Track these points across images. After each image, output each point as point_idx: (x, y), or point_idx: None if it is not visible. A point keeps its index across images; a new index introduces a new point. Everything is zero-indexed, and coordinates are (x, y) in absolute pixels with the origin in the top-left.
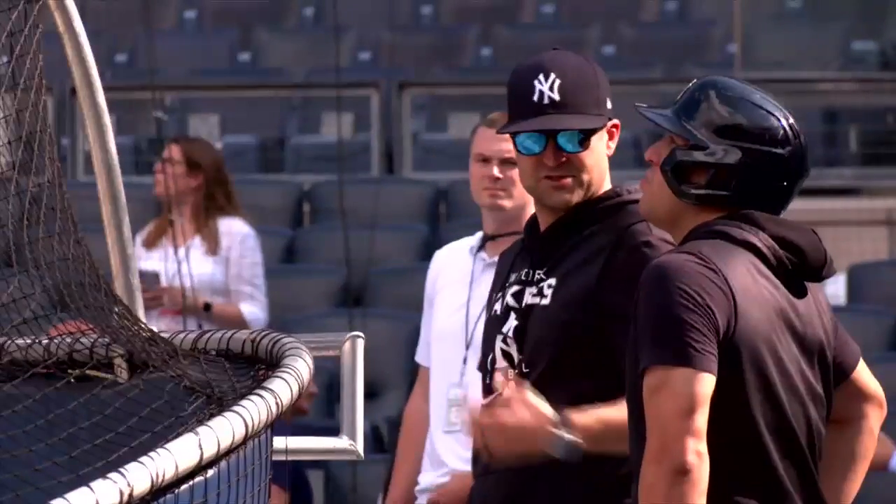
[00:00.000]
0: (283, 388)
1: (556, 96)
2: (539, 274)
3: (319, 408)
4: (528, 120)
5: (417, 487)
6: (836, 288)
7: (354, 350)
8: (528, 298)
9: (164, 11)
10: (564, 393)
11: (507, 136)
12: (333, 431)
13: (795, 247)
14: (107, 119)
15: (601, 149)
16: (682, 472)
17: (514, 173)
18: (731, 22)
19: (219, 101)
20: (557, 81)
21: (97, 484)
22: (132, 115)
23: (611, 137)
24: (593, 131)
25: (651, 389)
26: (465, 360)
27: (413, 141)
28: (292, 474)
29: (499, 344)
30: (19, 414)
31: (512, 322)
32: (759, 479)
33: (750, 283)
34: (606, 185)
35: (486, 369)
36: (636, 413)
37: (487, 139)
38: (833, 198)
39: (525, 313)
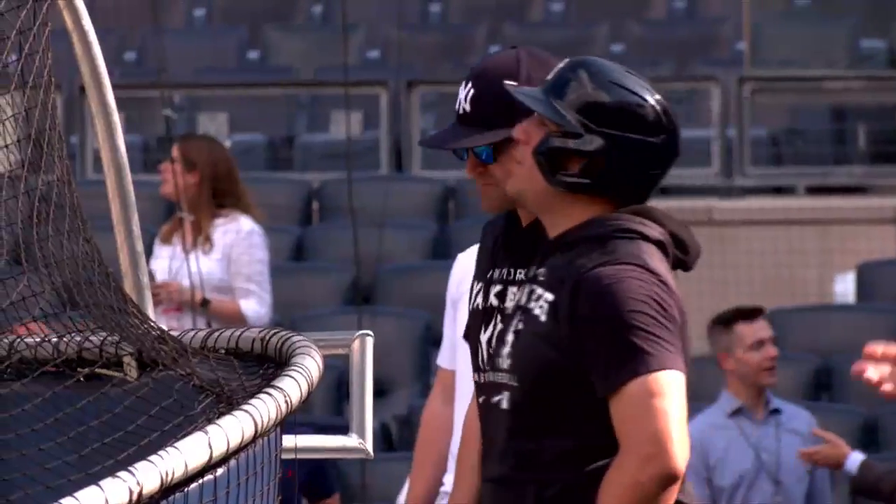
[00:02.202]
0: (293, 387)
1: (468, 107)
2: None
3: (329, 406)
4: (439, 132)
5: (442, 488)
6: (845, 286)
7: (363, 348)
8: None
9: (173, 9)
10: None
11: None
12: (343, 430)
13: (683, 243)
14: (115, 117)
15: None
16: (673, 480)
17: None
18: (739, 20)
19: (227, 100)
20: (471, 92)
21: (106, 483)
22: (141, 113)
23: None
24: (503, 142)
25: (644, 395)
26: None
27: (421, 138)
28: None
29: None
30: (29, 412)
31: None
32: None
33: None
34: None
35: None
36: (576, 422)
37: None
38: (841, 196)
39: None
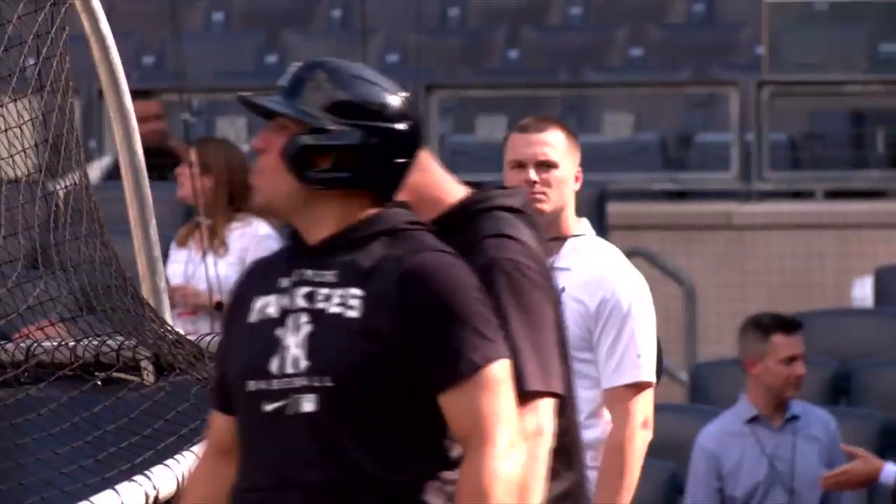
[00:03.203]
0: None
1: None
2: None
3: None
4: None
5: None
6: (863, 290)
7: None
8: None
9: (192, 13)
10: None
11: (542, 140)
12: None
13: None
14: (134, 121)
15: None
16: (533, 457)
17: (550, 176)
18: (758, 24)
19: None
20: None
21: (123, 487)
22: None
23: None
24: None
25: (495, 381)
26: None
27: (440, 143)
28: None
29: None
30: (46, 417)
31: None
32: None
33: None
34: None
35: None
36: (408, 416)
37: (521, 144)
38: (860, 200)
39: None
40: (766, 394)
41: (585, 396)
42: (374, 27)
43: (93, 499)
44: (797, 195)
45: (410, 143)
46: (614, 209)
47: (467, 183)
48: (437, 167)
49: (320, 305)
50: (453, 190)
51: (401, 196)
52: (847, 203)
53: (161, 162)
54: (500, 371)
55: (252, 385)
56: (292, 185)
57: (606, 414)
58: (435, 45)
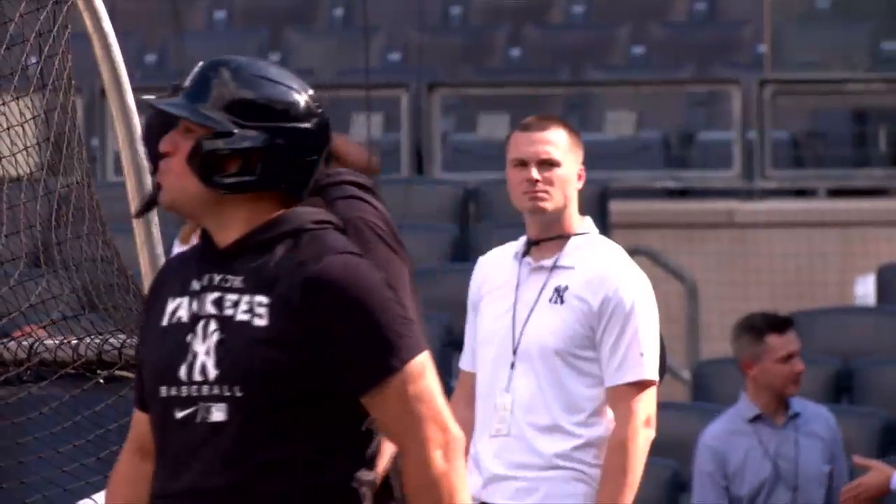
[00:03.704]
0: None
1: None
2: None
3: None
4: None
5: None
6: (865, 288)
7: None
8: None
9: (194, 12)
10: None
11: (544, 138)
12: None
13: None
14: (136, 119)
15: None
16: (461, 447)
17: (553, 175)
18: (760, 22)
19: None
20: None
21: None
22: None
23: None
24: None
25: (418, 377)
26: (511, 365)
27: (442, 141)
28: None
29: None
30: (47, 415)
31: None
32: None
33: None
34: None
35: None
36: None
37: (523, 143)
38: (862, 198)
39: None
40: (766, 393)
41: (588, 394)
42: (376, 25)
43: (95, 497)
44: (799, 193)
45: (318, 141)
46: (616, 207)
47: None
48: None
49: (228, 312)
50: None
51: None
52: (849, 201)
53: None
54: (418, 367)
55: (164, 391)
56: (199, 189)
57: (609, 412)
58: (437, 43)
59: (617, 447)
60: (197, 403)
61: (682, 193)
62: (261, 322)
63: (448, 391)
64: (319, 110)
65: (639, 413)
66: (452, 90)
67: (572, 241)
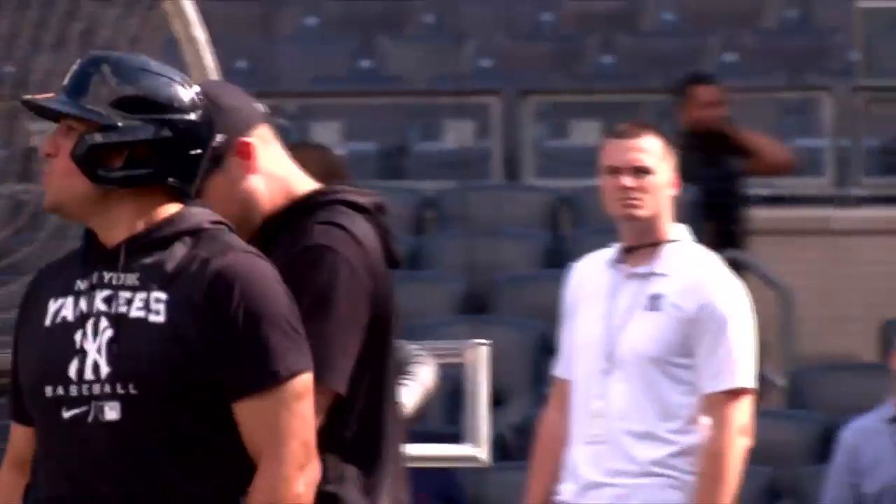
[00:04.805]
0: (407, 396)
1: None
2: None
3: (443, 415)
4: None
5: (558, 497)
6: None
7: (479, 357)
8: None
9: (285, 18)
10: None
11: (637, 146)
12: (457, 439)
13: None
14: None
15: (227, 181)
16: (316, 480)
17: (646, 182)
18: (851, 29)
19: (340, 109)
20: None
21: None
22: None
23: (245, 156)
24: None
25: (295, 396)
26: (607, 373)
27: (534, 148)
28: (445, 485)
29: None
30: None
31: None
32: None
33: None
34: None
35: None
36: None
37: (616, 150)
38: None
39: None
40: None
41: (683, 402)
42: (468, 32)
43: None
44: (893, 201)
45: (203, 134)
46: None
47: None
48: (282, 158)
49: (122, 309)
50: (303, 182)
51: (254, 183)
52: None
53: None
54: (301, 384)
55: (49, 391)
56: (86, 187)
57: (703, 420)
58: (528, 50)
59: (713, 455)
60: (89, 403)
61: (774, 200)
62: (158, 318)
63: (542, 399)
64: (203, 102)
65: (735, 421)
66: (544, 97)
67: (666, 249)
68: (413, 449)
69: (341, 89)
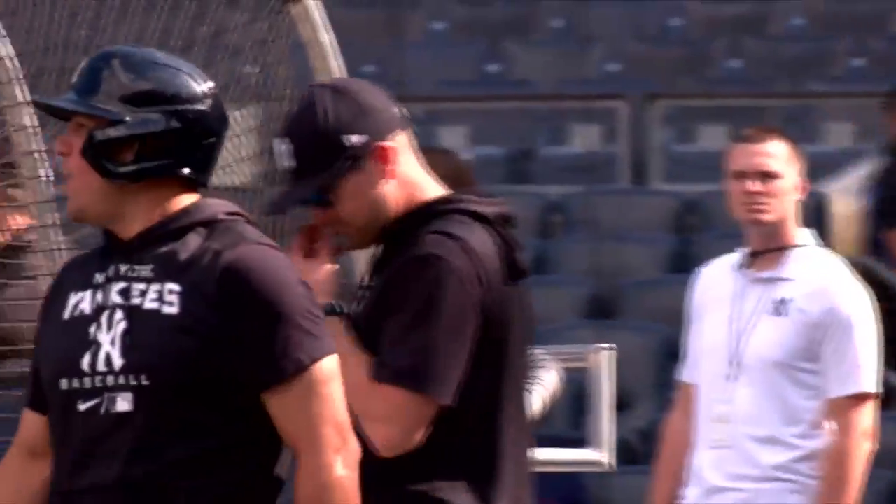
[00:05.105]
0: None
1: (293, 163)
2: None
3: (567, 419)
4: (280, 195)
5: (683, 501)
6: None
7: (605, 362)
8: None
9: (412, 22)
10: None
11: (763, 150)
12: (581, 443)
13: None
14: None
15: (363, 184)
16: (357, 459)
17: (773, 186)
18: None
19: (467, 113)
20: (289, 147)
21: None
22: None
23: (384, 161)
24: (332, 183)
25: (321, 381)
26: (731, 377)
27: (662, 152)
28: (570, 489)
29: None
30: None
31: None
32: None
33: None
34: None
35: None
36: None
37: (742, 154)
38: None
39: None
40: None
41: (807, 406)
42: (596, 36)
43: None
44: None
45: (214, 123)
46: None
47: None
48: (415, 165)
49: (136, 301)
50: (432, 189)
51: (388, 188)
52: None
53: None
54: (326, 369)
55: (65, 383)
56: (100, 183)
57: (827, 424)
58: (656, 54)
59: (836, 459)
60: (101, 394)
61: None
62: (171, 310)
63: (667, 403)
64: (212, 91)
65: (859, 425)
66: (671, 101)
67: (793, 253)
68: (537, 453)
69: (468, 94)
